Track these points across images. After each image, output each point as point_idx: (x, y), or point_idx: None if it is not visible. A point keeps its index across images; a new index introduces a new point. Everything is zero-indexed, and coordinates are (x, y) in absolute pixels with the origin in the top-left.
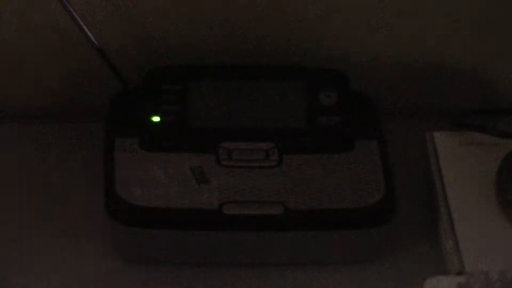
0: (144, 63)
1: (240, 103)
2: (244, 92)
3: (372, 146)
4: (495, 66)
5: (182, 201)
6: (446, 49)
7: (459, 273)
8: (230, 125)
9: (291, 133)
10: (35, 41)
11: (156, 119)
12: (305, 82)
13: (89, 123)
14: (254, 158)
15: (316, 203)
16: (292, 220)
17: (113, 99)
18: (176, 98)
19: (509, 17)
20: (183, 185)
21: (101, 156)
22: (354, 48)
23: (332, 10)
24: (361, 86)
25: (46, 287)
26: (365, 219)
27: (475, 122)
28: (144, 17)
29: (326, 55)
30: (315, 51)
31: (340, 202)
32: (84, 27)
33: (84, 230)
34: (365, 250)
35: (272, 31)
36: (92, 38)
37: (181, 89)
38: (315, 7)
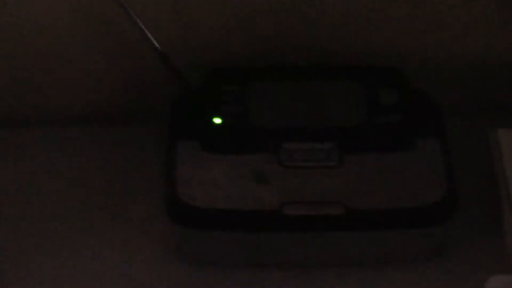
0: (204, 67)
1: (300, 103)
2: (304, 92)
3: (433, 144)
4: None
5: (243, 202)
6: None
7: None
8: (290, 126)
9: (352, 132)
10: (96, 44)
11: (217, 120)
12: (365, 81)
13: (152, 127)
14: (315, 158)
15: (377, 203)
16: (353, 220)
17: (175, 102)
18: (237, 99)
19: None
20: (244, 186)
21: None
22: (416, 46)
23: (390, 5)
24: (423, 84)
25: None
26: (427, 217)
27: None
28: (200, 21)
29: (386, 54)
30: (374, 50)
31: (401, 201)
32: (146, 31)
33: (145, 233)
34: (427, 249)
35: (329, 30)
36: (155, 42)
37: (241, 90)
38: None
